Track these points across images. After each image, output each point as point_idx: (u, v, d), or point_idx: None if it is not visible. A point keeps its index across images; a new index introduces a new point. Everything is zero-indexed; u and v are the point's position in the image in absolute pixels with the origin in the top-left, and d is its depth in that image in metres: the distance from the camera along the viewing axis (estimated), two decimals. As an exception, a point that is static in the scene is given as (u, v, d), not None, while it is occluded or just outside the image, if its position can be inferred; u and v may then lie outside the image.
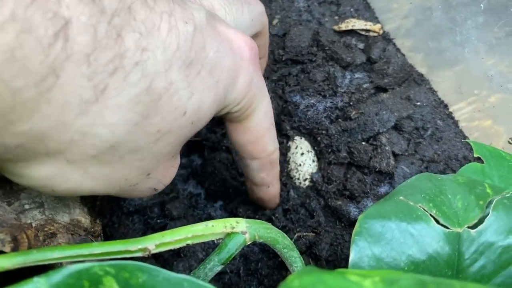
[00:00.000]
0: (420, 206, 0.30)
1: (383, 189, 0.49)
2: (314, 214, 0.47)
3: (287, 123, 0.53)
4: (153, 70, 0.22)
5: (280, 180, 0.48)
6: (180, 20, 0.23)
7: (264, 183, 0.37)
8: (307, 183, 0.51)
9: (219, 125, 0.53)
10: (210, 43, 0.25)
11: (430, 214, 0.29)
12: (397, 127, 0.52)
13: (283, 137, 0.53)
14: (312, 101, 0.53)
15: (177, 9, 0.23)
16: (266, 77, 0.55)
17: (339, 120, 0.53)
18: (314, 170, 0.52)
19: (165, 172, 0.27)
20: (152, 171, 0.25)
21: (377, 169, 0.50)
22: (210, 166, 0.51)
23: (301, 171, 0.51)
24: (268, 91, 0.34)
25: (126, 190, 0.25)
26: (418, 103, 0.53)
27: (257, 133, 0.34)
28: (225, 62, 0.27)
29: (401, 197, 0.31)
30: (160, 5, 0.22)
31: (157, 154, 0.25)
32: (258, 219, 0.34)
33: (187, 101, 0.24)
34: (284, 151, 0.52)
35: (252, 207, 0.48)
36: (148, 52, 0.21)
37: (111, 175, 0.23)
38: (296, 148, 0.52)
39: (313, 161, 0.52)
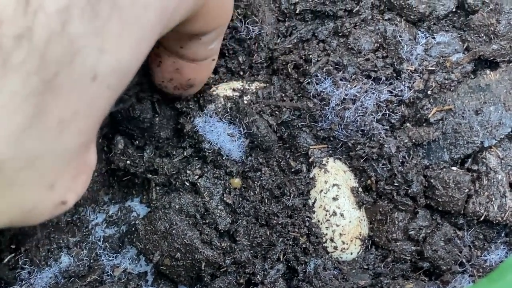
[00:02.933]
0: None
1: (494, 255, 0.48)
2: None
3: (307, 133, 0.52)
4: (44, 36, 0.25)
5: (298, 237, 0.50)
6: None
7: (209, 55, 0.47)
8: (351, 251, 0.50)
9: (177, 145, 0.52)
10: None
11: None
12: None
13: (301, 160, 0.52)
14: (353, 91, 0.51)
15: None
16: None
17: (406, 125, 0.51)
18: (364, 226, 0.51)
19: (77, 175, 0.32)
20: (57, 179, 0.30)
21: (481, 218, 0.48)
22: (161, 220, 0.50)
23: (338, 226, 0.50)
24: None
25: (20, 220, 0.30)
26: None
27: (219, 5, 0.41)
28: None
29: None
30: None
31: (61, 153, 0.29)
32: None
33: (97, 60, 0.28)
34: (303, 187, 0.51)
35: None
36: (33, 5, 0.24)
37: None
38: (325, 180, 0.51)
39: (359, 205, 0.51)
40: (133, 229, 0.51)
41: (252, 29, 0.53)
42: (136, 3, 0.29)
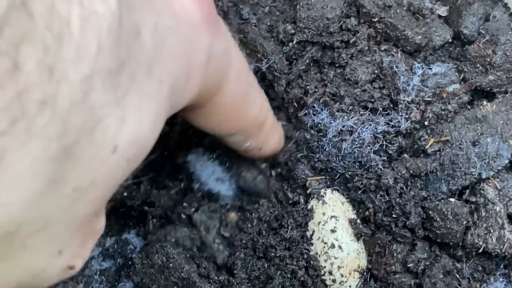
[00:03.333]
0: None
1: (493, 287, 0.48)
2: None
3: (304, 165, 0.52)
4: (66, 103, 0.25)
5: (294, 242, 0.51)
6: None
7: (252, 149, 0.47)
8: (350, 284, 0.50)
9: (174, 177, 0.51)
10: (143, 19, 0.29)
11: None
12: None
13: (298, 192, 0.53)
14: (350, 122, 0.51)
15: None
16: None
17: (404, 156, 0.51)
18: (363, 258, 0.50)
19: (85, 241, 0.31)
20: (66, 245, 0.30)
21: (480, 250, 0.48)
22: (158, 254, 0.50)
23: (336, 259, 0.50)
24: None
25: (27, 284, 0.29)
26: None
27: (231, 108, 0.41)
28: (169, 44, 0.31)
29: None
30: None
31: (73, 220, 0.29)
32: None
33: (118, 131, 0.28)
34: (300, 218, 0.51)
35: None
36: (56, 74, 0.24)
37: (6, 273, 0.27)
38: (323, 212, 0.51)
39: (358, 237, 0.51)
40: (129, 262, 0.51)
41: (260, 64, 0.54)
42: (152, 77, 0.30)
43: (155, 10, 0.31)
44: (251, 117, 0.44)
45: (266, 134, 0.47)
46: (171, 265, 0.49)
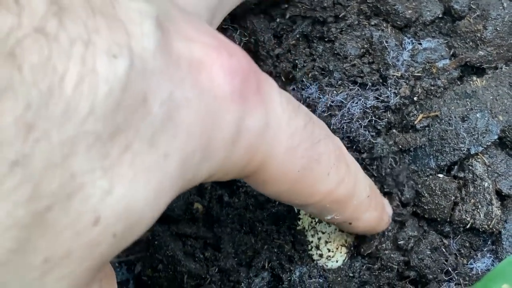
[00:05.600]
0: None
1: (480, 263, 0.48)
2: None
3: None
4: (41, 165, 0.23)
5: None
6: (103, 54, 0.25)
7: (338, 222, 0.44)
8: (337, 259, 0.50)
9: None
10: (157, 87, 0.27)
11: None
12: (504, 143, 0.51)
13: None
14: (339, 97, 0.51)
15: (102, 28, 0.25)
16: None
17: (393, 131, 0.51)
18: (350, 234, 0.50)
19: None
20: None
21: (467, 226, 0.48)
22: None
23: (324, 233, 0.50)
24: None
25: None
26: None
27: (287, 182, 0.37)
28: (184, 116, 0.29)
29: (504, 286, 0.32)
30: (70, 26, 0.24)
31: None
32: None
33: (102, 202, 0.26)
34: None
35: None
36: (35, 133, 0.23)
37: None
38: None
39: None
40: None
41: (246, 39, 0.53)
42: (156, 150, 0.28)
43: (176, 79, 0.28)
44: (321, 192, 0.40)
45: (358, 210, 0.43)
46: (156, 242, 0.49)
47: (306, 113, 0.38)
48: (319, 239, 0.49)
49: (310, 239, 0.49)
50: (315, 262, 0.50)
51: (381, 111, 0.51)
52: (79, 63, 0.24)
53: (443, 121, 0.50)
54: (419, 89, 0.52)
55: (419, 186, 0.49)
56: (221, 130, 0.31)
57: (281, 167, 0.36)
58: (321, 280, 0.49)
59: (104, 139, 0.25)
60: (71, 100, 0.23)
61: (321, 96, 0.51)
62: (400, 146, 0.50)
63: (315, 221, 0.49)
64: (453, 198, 0.49)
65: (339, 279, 0.49)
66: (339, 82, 0.51)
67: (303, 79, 0.52)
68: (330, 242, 0.49)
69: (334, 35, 0.53)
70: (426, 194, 0.49)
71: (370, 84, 0.52)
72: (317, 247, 0.49)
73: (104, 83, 0.24)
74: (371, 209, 0.45)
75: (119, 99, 0.25)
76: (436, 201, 0.49)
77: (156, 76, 0.27)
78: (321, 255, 0.49)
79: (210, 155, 0.31)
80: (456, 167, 0.50)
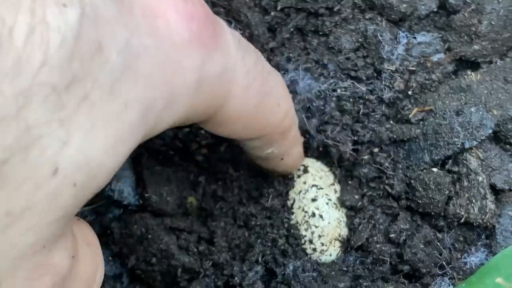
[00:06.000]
0: None
1: (474, 258, 0.48)
2: None
3: None
4: None
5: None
6: (52, 4, 0.24)
7: (274, 157, 0.45)
8: (330, 253, 0.50)
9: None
10: (111, 35, 0.27)
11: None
12: (498, 137, 0.51)
13: None
14: (333, 89, 0.51)
15: None
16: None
17: (385, 124, 0.51)
18: (343, 227, 0.51)
19: (34, 277, 0.28)
20: (4, 279, 0.27)
21: (461, 220, 0.48)
22: (137, 224, 0.50)
23: (317, 227, 0.50)
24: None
25: None
26: None
27: (244, 119, 0.38)
28: (143, 64, 0.29)
29: (498, 279, 0.33)
30: None
31: (9, 250, 0.26)
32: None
33: (60, 152, 0.26)
34: (281, 188, 0.51)
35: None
36: None
37: None
38: (304, 181, 0.51)
39: (339, 206, 0.51)
40: (108, 231, 0.50)
41: (241, 32, 0.53)
42: (115, 99, 0.28)
43: (130, 26, 0.28)
44: (272, 124, 0.41)
45: (290, 142, 0.45)
46: (150, 236, 0.49)
47: (254, 50, 0.39)
48: (312, 233, 0.49)
49: (304, 233, 0.49)
50: (308, 256, 0.49)
51: (375, 104, 0.51)
52: (28, 15, 0.23)
53: (437, 115, 0.50)
54: (414, 83, 0.51)
55: (413, 180, 0.49)
56: (183, 77, 0.31)
57: (238, 106, 0.37)
58: (315, 274, 0.49)
59: (60, 90, 0.25)
60: (23, 52, 0.23)
61: (315, 89, 0.51)
62: (393, 139, 0.50)
63: (308, 215, 0.49)
64: (447, 192, 0.48)
65: (333, 273, 0.49)
66: (333, 74, 0.51)
67: (297, 71, 0.51)
68: (323, 236, 0.49)
69: (329, 28, 0.53)
70: (420, 188, 0.49)
71: (364, 77, 0.51)
72: (311, 241, 0.49)
73: (56, 33, 0.24)
74: (298, 144, 0.47)
75: (73, 48, 0.25)
76: (430, 195, 0.48)
77: (109, 24, 0.27)
78: (314, 249, 0.49)
79: (173, 103, 0.31)
80: (450, 161, 0.50)
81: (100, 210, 0.53)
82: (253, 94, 0.38)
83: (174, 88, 0.31)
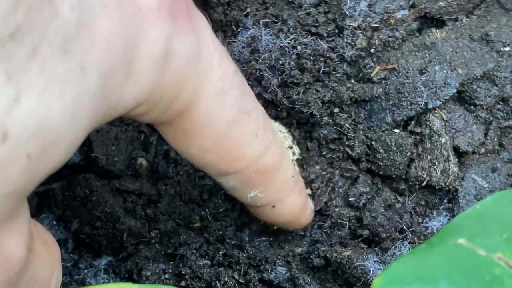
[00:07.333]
0: (500, 258, 0.29)
1: (436, 222, 0.47)
2: (299, 280, 0.45)
3: None
4: None
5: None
6: None
7: (262, 204, 0.42)
8: None
9: None
10: None
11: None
12: (463, 98, 0.50)
13: None
14: (293, 46, 0.49)
15: None
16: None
17: (347, 84, 0.50)
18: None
19: None
20: None
21: (423, 183, 0.47)
22: (81, 185, 0.48)
23: None
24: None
25: None
26: (507, 48, 0.50)
27: (213, 134, 0.36)
28: (102, 25, 0.28)
29: (461, 240, 0.30)
30: None
31: None
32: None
33: (8, 114, 0.24)
34: None
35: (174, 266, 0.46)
36: None
37: None
38: None
39: (299, 170, 0.50)
40: (50, 193, 0.49)
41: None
42: (69, 59, 0.26)
43: None
44: (250, 157, 0.38)
45: (283, 189, 0.42)
46: (94, 198, 0.47)
47: (235, 64, 0.37)
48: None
49: (260, 196, 0.48)
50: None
51: (335, 62, 0.49)
52: None
53: (400, 74, 0.49)
54: (376, 40, 0.50)
55: (374, 141, 0.48)
56: (147, 47, 0.30)
57: (209, 112, 0.35)
58: (271, 239, 0.48)
59: (3, 39, 0.23)
60: None
61: (274, 45, 0.49)
62: (354, 98, 0.49)
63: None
64: (409, 154, 0.48)
65: (289, 237, 0.48)
66: (292, 30, 0.50)
67: (254, 27, 0.50)
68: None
69: (288, -18, 0.51)
70: (381, 150, 0.48)
71: (325, 34, 0.50)
72: (267, 205, 0.47)
73: None
74: (296, 193, 0.44)
75: None
76: (392, 157, 0.47)
77: None
78: (271, 213, 0.48)
79: (136, 76, 0.30)
80: (413, 122, 0.49)
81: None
82: (228, 105, 0.36)
83: (137, 58, 0.29)
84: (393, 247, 0.45)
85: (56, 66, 0.25)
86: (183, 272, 0.45)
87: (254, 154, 0.38)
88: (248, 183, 0.40)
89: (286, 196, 0.43)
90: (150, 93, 0.31)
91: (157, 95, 0.32)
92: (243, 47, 0.49)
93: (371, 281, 0.43)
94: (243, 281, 0.45)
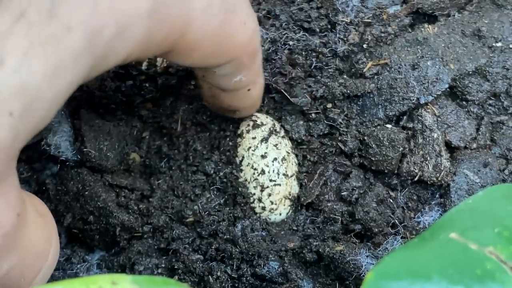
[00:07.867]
0: (491, 253, 0.29)
1: (428, 217, 0.48)
2: (292, 275, 0.45)
3: None
4: None
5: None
6: None
7: (240, 87, 0.43)
8: (280, 212, 0.49)
9: None
10: None
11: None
12: (455, 93, 0.50)
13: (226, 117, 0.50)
14: (285, 42, 0.50)
15: None
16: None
17: (339, 79, 0.50)
18: (294, 186, 0.49)
19: None
20: None
21: (415, 178, 0.48)
22: (74, 180, 0.48)
23: (267, 186, 0.48)
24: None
25: None
26: (499, 44, 0.51)
27: (210, 41, 0.37)
28: None
29: (452, 234, 0.30)
30: None
31: None
32: None
33: None
34: (229, 144, 0.49)
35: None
36: None
37: None
38: (254, 136, 0.49)
39: (291, 164, 0.49)
40: (43, 188, 0.48)
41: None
42: (55, 21, 0.27)
43: None
44: (241, 44, 0.40)
45: (258, 69, 0.43)
46: (87, 193, 0.47)
47: None
48: (261, 191, 0.47)
49: (253, 191, 0.48)
50: (257, 215, 0.48)
51: (328, 58, 0.50)
52: None
53: (392, 69, 0.49)
54: (369, 35, 0.50)
55: (366, 137, 0.48)
56: (134, 4, 0.30)
57: (201, 29, 0.36)
58: (264, 234, 0.47)
59: None
60: None
61: (266, 36, 0.49)
62: (346, 94, 0.49)
63: (257, 172, 0.47)
64: (401, 149, 0.48)
65: (282, 232, 0.48)
66: (285, 26, 0.50)
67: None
68: (273, 194, 0.47)
69: (281, -22, 0.52)
70: (373, 145, 0.48)
71: (317, 29, 0.50)
72: (260, 200, 0.47)
73: None
74: (261, 75, 0.45)
75: None
76: (384, 152, 0.48)
77: None
78: (263, 208, 0.48)
79: (125, 30, 0.30)
80: (405, 117, 0.49)
81: (36, 167, 0.50)
82: (215, 14, 0.37)
83: (125, 14, 0.30)
84: (385, 242, 0.46)
85: (41, 29, 0.26)
86: (176, 267, 0.45)
87: (245, 38, 0.40)
88: (239, 67, 0.41)
89: (259, 77, 0.44)
90: (142, 42, 0.32)
91: (148, 41, 0.32)
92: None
93: (364, 276, 0.43)
94: (235, 276, 0.45)
